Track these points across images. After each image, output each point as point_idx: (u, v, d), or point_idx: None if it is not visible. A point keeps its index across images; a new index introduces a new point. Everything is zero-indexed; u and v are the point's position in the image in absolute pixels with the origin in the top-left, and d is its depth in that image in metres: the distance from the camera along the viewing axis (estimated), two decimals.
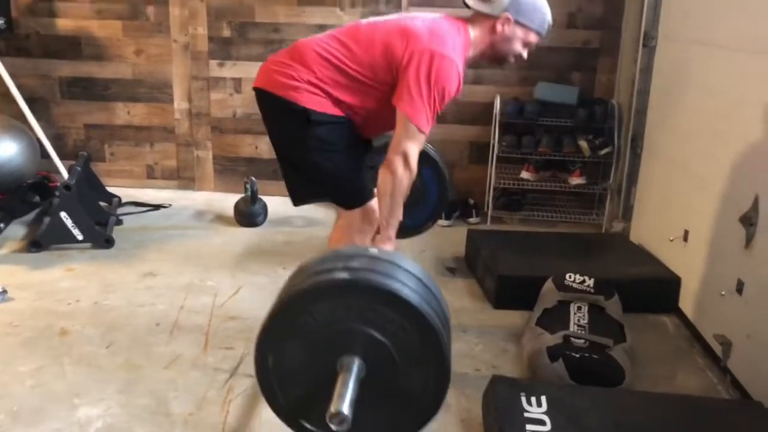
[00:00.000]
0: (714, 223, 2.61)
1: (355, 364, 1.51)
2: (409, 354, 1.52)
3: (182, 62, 4.28)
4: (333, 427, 1.39)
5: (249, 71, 4.26)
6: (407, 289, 1.50)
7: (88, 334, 2.58)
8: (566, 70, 4.12)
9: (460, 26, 2.22)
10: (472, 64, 2.32)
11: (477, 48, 2.26)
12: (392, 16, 2.30)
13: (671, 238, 2.99)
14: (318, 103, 2.17)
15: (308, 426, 1.60)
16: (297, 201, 2.43)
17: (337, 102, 2.19)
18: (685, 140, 3.03)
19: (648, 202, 3.49)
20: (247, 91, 4.29)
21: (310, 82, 2.16)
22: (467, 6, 2.29)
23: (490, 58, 2.33)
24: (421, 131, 2.11)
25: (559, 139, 4.00)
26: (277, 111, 2.24)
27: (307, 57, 2.18)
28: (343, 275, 1.50)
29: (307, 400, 1.60)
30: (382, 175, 2.15)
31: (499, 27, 2.23)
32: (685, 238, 2.90)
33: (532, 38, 2.28)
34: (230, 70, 4.29)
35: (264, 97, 2.26)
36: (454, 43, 2.15)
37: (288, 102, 2.17)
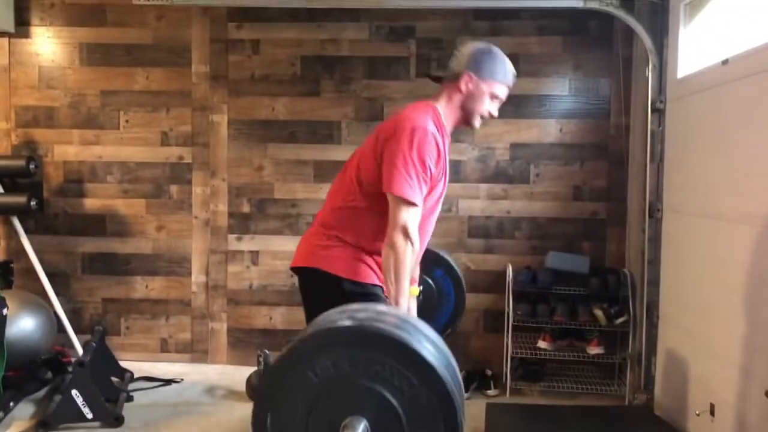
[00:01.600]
0: (740, 396, 2.53)
1: (361, 426, 1.40)
2: (417, 412, 1.40)
3: (202, 237, 4.43)
4: None
5: (266, 244, 4.39)
6: (415, 341, 1.41)
7: None
8: (576, 240, 4.21)
9: (425, 105, 2.27)
10: (455, 127, 2.33)
11: (449, 116, 2.28)
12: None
13: (697, 413, 2.89)
14: (349, 268, 2.21)
15: None
16: None
17: (361, 252, 2.22)
18: (701, 311, 3.02)
19: (670, 373, 3.41)
20: (264, 263, 4.39)
21: (333, 237, 2.23)
22: (431, 78, 2.38)
23: (462, 120, 2.32)
24: (409, 202, 2.09)
25: (574, 308, 3.99)
26: (312, 284, 2.28)
27: (324, 217, 2.31)
28: (348, 323, 1.43)
29: None
30: (384, 252, 2.12)
31: (462, 86, 2.25)
32: (712, 413, 2.80)
33: (499, 90, 2.28)
34: (248, 244, 4.42)
35: (300, 272, 2.32)
36: (426, 117, 2.18)
37: (320, 271, 2.22)
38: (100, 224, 4.46)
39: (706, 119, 3.02)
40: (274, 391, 1.45)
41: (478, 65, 2.25)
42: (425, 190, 2.14)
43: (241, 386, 3.90)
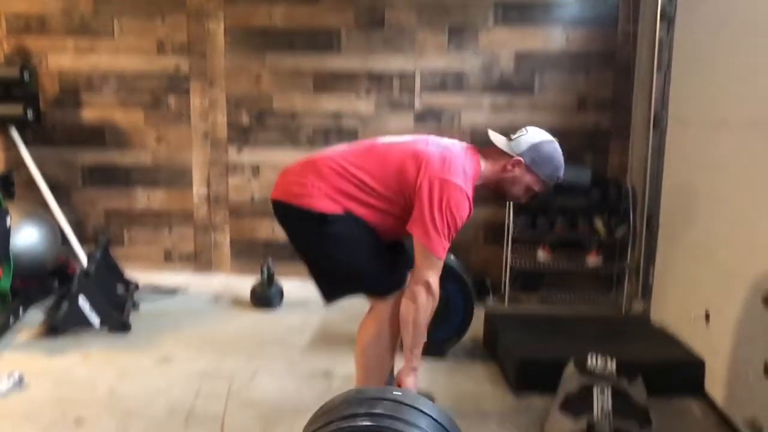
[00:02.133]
0: (735, 303, 2.57)
1: None
2: None
3: (202, 149, 4.40)
4: None
5: (267, 157, 4.37)
6: None
7: (104, 422, 2.55)
8: (578, 151, 4.18)
9: (471, 155, 2.30)
10: (483, 188, 2.37)
11: (484, 179, 2.32)
12: (407, 138, 2.38)
13: (693, 319, 2.95)
14: (331, 207, 2.23)
15: None
16: (328, 298, 2.43)
17: (349, 210, 2.24)
18: (701, 221, 3.03)
19: (667, 282, 3.46)
20: (265, 176, 4.38)
21: (325, 193, 2.23)
22: (490, 138, 2.37)
23: (494, 191, 2.40)
24: (439, 259, 2.17)
25: (574, 220, 4.01)
26: (294, 219, 2.31)
27: (324, 171, 2.26)
28: (366, 423, 1.50)
29: None
30: (405, 305, 2.21)
31: (509, 167, 2.30)
32: (707, 319, 2.85)
33: (537, 187, 2.36)
34: (248, 156, 4.39)
35: (281, 207, 2.32)
36: (465, 171, 2.22)
37: (303, 209, 2.23)
38: (98, 136, 4.42)
39: (717, 26, 2.93)
40: None
41: (533, 156, 2.29)
42: (449, 244, 2.20)
43: (245, 295, 3.97)
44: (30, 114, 4.06)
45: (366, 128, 4.27)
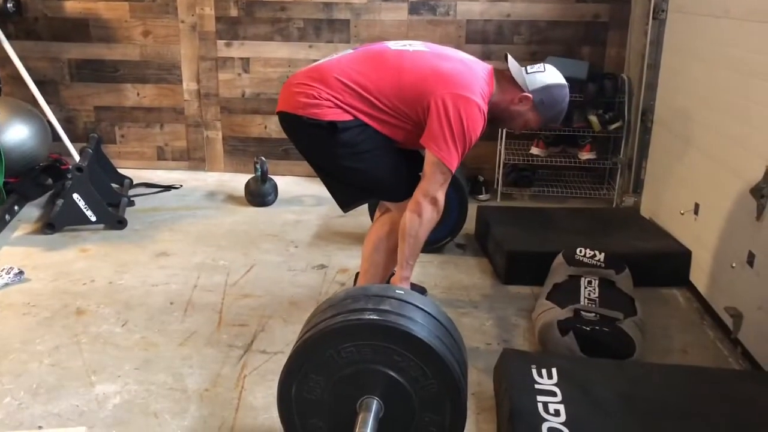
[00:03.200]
0: (725, 195, 2.60)
1: (374, 405, 1.58)
2: (427, 398, 1.59)
3: (190, 43, 4.28)
4: None
5: (257, 51, 4.27)
6: (432, 336, 1.58)
7: (104, 313, 2.62)
8: (575, 44, 4.09)
9: (487, 74, 2.27)
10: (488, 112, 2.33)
11: (491, 104, 2.27)
12: (420, 48, 2.30)
13: (682, 212, 2.99)
14: (340, 115, 2.19)
15: None
16: (344, 207, 2.44)
17: (359, 117, 2.21)
18: (695, 114, 3.01)
19: (659, 177, 3.48)
20: (256, 71, 4.30)
21: (333, 103, 2.18)
22: (506, 61, 2.33)
23: (496, 118, 2.35)
24: (450, 172, 2.18)
25: (569, 114, 3.96)
26: (303, 129, 2.26)
27: (330, 81, 2.20)
28: (374, 317, 1.57)
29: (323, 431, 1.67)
30: (409, 216, 2.20)
31: (517, 101, 2.28)
32: (696, 212, 2.89)
33: (534, 124, 2.39)
34: (238, 50, 4.28)
35: (288, 118, 2.28)
36: (481, 88, 2.20)
37: (312, 120, 2.19)
38: (83, 29, 4.28)
39: None
40: (300, 364, 1.62)
41: (543, 97, 2.29)
42: (460, 161, 2.20)
43: (240, 192, 3.99)
44: (10, 5, 3.92)
45: (358, 20, 4.15)
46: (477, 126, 2.16)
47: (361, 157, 2.25)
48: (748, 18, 2.51)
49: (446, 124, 2.12)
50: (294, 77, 2.31)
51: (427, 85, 2.17)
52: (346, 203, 2.43)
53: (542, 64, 2.36)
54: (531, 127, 2.44)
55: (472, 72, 2.24)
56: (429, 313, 1.66)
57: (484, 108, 2.19)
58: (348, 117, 2.19)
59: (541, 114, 2.32)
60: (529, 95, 2.27)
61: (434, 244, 3.15)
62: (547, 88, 2.29)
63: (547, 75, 2.31)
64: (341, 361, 1.59)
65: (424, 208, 2.18)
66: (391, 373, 1.58)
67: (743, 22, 2.56)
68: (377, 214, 2.59)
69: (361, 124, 2.21)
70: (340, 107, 2.19)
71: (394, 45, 2.33)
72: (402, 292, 1.72)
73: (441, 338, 1.61)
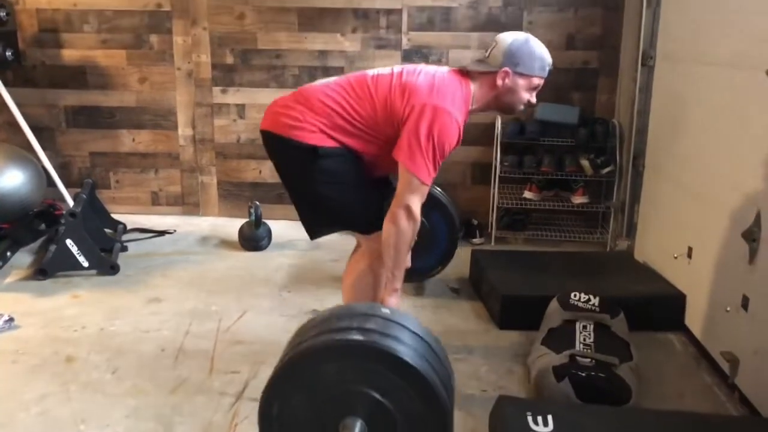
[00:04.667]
0: (717, 239, 2.61)
1: (358, 426, 1.54)
2: (412, 421, 1.55)
3: (186, 89, 4.33)
4: None
5: (252, 97, 4.32)
6: (418, 357, 1.54)
7: (94, 360, 2.59)
8: (566, 90, 4.15)
9: (462, 81, 2.27)
10: (484, 110, 2.36)
11: (480, 102, 2.30)
12: (397, 69, 2.32)
13: (675, 255, 2.99)
14: (322, 140, 2.21)
15: None
16: (313, 234, 2.44)
17: (340, 143, 2.23)
18: (686, 158, 3.04)
19: (651, 220, 3.50)
20: (251, 117, 4.34)
21: (315, 126, 2.21)
22: (467, 69, 2.33)
23: (499, 109, 2.37)
24: (423, 184, 2.15)
25: (561, 159, 4.02)
26: (284, 151, 2.28)
27: (313, 103, 2.23)
28: (358, 337, 1.54)
29: None
30: (386, 227, 2.19)
31: (499, 81, 2.26)
32: (690, 255, 2.90)
33: (536, 82, 2.31)
34: (233, 96, 4.34)
35: (271, 138, 2.30)
36: (454, 97, 2.19)
37: (294, 141, 2.21)
38: (80, 76, 4.34)
39: None
40: (283, 384, 1.58)
41: (515, 60, 2.24)
42: (436, 172, 2.18)
43: (234, 236, 3.98)
44: (9, 54, 3.97)
45: (352, 67, 4.21)
46: (450, 136, 2.14)
47: (336, 185, 2.25)
48: (734, 65, 2.56)
49: (415, 135, 2.11)
50: (279, 99, 2.34)
51: (399, 100, 2.18)
52: (315, 230, 2.42)
53: (492, 40, 2.32)
54: (536, 87, 2.32)
55: (444, 81, 2.22)
56: (415, 333, 1.62)
57: (459, 116, 2.16)
58: (330, 144, 2.21)
59: (528, 72, 2.26)
60: (504, 69, 2.24)
61: (425, 273, 3.13)
62: (510, 50, 2.24)
63: (501, 42, 2.27)
64: (324, 381, 1.55)
65: (399, 217, 2.16)
66: (375, 395, 1.53)
67: (729, 69, 2.60)
68: (351, 256, 2.57)
69: (342, 153, 2.23)
70: (323, 132, 2.20)
71: (372, 71, 2.35)
72: (387, 311, 1.68)
73: (427, 359, 1.56)
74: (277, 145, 2.29)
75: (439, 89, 2.18)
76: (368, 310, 1.67)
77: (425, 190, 2.18)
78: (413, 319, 1.70)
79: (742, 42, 2.52)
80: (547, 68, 2.32)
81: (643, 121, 3.61)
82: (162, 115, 4.39)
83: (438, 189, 3.17)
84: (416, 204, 2.17)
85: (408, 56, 4.18)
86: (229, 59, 4.28)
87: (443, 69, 2.33)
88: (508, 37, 2.28)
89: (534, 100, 2.35)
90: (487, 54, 2.30)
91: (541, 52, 2.29)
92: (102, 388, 2.38)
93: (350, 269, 2.46)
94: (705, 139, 2.84)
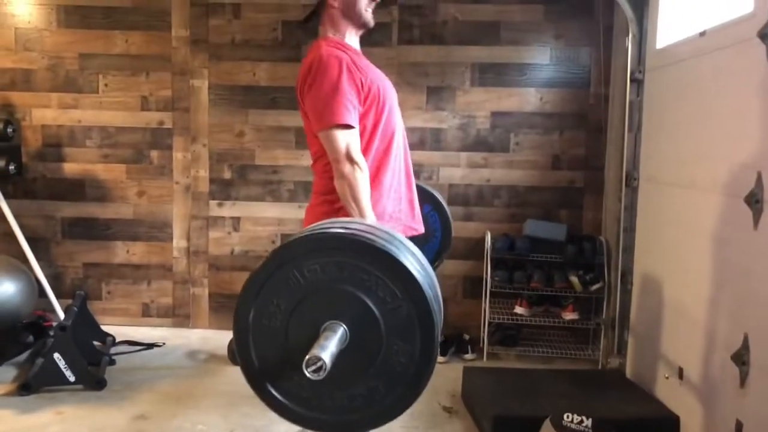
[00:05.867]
0: (707, 360, 2.62)
1: (340, 331, 1.43)
2: (397, 324, 1.45)
3: (183, 202, 4.43)
4: (308, 373, 1.31)
5: (248, 210, 4.41)
6: (405, 259, 1.44)
7: None
8: (553, 207, 4.27)
9: (316, 43, 2.23)
10: (357, 32, 2.31)
11: (345, 33, 2.25)
12: None
13: (666, 376, 2.99)
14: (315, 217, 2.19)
15: (274, 392, 1.51)
16: None
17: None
18: (673, 277, 3.10)
19: (642, 339, 3.51)
20: (245, 229, 4.41)
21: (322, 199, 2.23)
22: (308, 19, 2.33)
23: (357, 26, 2.29)
24: (342, 125, 2.06)
25: (551, 275, 4.07)
26: None
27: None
28: (340, 230, 1.47)
29: (280, 365, 1.50)
30: (338, 185, 2.09)
31: (331, 2, 2.22)
32: (680, 376, 2.89)
33: None
34: (229, 210, 4.43)
35: None
36: (317, 50, 2.15)
37: None
38: (79, 189, 4.44)
39: (684, 89, 3.06)
40: (259, 287, 1.46)
41: None
42: (357, 109, 2.10)
43: (223, 351, 3.94)
44: (12, 167, 4.08)
45: None
46: (333, 70, 2.06)
47: None
48: (713, 190, 2.67)
49: (311, 99, 2.09)
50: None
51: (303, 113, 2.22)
52: None
53: None
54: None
55: (304, 59, 2.20)
56: (400, 240, 1.54)
57: (337, 54, 2.10)
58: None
59: None
60: None
61: None
62: None
63: None
64: (304, 280, 1.44)
65: (343, 168, 2.06)
66: (359, 294, 1.43)
67: (709, 194, 2.71)
68: None
69: None
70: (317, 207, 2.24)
71: None
72: (373, 223, 1.60)
73: (411, 261, 1.47)
74: None
75: (302, 63, 2.19)
76: (351, 220, 1.62)
77: (350, 133, 2.07)
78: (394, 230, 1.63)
79: (720, 168, 2.63)
80: None
81: (629, 238, 3.69)
82: (158, 227, 4.46)
83: (427, 186, 3.11)
84: (353, 146, 2.07)
85: None
86: (227, 174, 4.41)
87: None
88: None
89: (372, 6, 2.28)
90: None
91: None
92: None
93: None
94: (687, 260, 2.90)
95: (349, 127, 2.07)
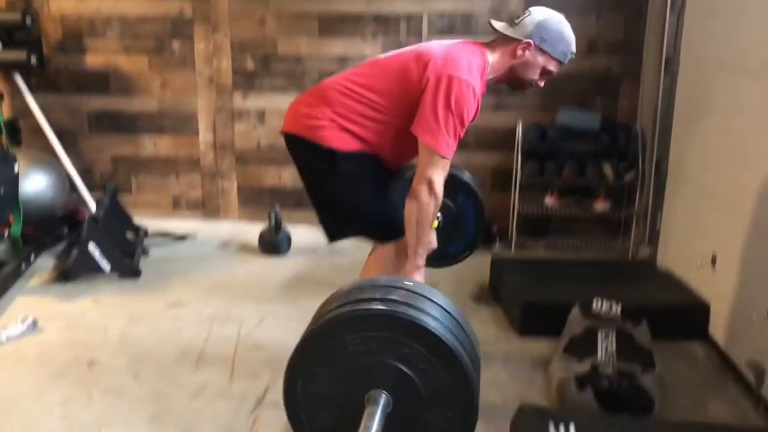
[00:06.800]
0: (742, 246, 2.57)
1: (383, 399, 1.52)
2: (437, 392, 1.53)
3: (207, 95, 4.36)
4: None
5: (272, 102, 4.33)
6: (442, 328, 1.52)
7: (116, 364, 2.60)
8: (588, 95, 4.12)
9: (477, 49, 2.23)
10: (491, 87, 2.32)
11: (495, 71, 2.26)
12: (410, 46, 2.32)
13: (699, 263, 2.95)
14: (341, 141, 2.20)
15: None
16: (331, 238, 2.43)
17: (358, 138, 2.22)
18: (710, 164, 3.01)
19: (674, 227, 3.46)
20: (271, 122, 4.36)
21: (332, 120, 2.20)
22: (492, 28, 2.29)
23: (507, 82, 2.34)
24: (443, 157, 2.11)
25: (583, 165, 3.98)
26: (304, 152, 2.29)
27: (330, 96, 2.23)
28: (381, 307, 1.53)
29: (332, 428, 1.61)
30: (408, 204, 2.17)
31: (519, 51, 2.22)
32: (713, 263, 2.86)
33: (552, 66, 2.26)
34: (254, 102, 4.36)
35: (291, 140, 2.30)
36: (470, 65, 2.14)
37: (313, 143, 2.21)
38: (103, 82, 4.39)
39: None
40: (307, 357, 1.58)
41: (542, 35, 2.20)
42: (456, 144, 2.15)
43: (254, 242, 4.00)
44: (33, 59, 4.03)
45: None
46: (467, 104, 2.09)
47: (355, 188, 2.25)
48: (761, 72, 2.53)
49: (432, 107, 2.09)
50: (300, 98, 2.34)
51: (414, 72, 2.15)
52: (333, 234, 2.41)
53: (527, 9, 2.27)
54: (551, 72, 2.28)
55: (458, 49, 2.19)
56: (439, 305, 1.60)
57: (476, 85, 2.12)
58: (349, 146, 2.20)
59: (550, 52, 2.21)
60: (528, 40, 2.20)
61: (453, 257, 3.06)
62: (542, 25, 2.20)
63: (535, 14, 2.23)
64: (348, 353, 1.54)
65: (420, 192, 2.13)
66: (400, 366, 1.52)
67: (757, 76, 2.57)
68: (367, 258, 2.55)
69: (361, 156, 2.22)
70: (343, 130, 2.19)
71: (388, 53, 2.35)
72: (410, 283, 1.66)
73: (451, 330, 1.54)
74: (297, 147, 2.30)
75: (455, 58, 2.14)
76: (391, 283, 1.66)
77: (446, 163, 2.14)
78: (436, 291, 1.67)
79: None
80: (569, 56, 2.27)
81: (665, 126, 3.57)
82: (183, 120, 4.42)
83: (467, 173, 3.09)
84: (438, 178, 2.13)
85: None
86: (250, 65, 4.30)
87: (458, 40, 2.28)
88: (543, 12, 2.24)
89: (541, 84, 2.31)
90: (518, 20, 2.24)
91: (569, 37, 2.26)
92: (123, 393, 2.40)
93: (363, 275, 2.44)
94: (728, 145, 2.80)
95: (446, 159, 2.13)
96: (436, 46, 2.23)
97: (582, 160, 3.99)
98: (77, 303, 3.17)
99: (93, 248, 3.37)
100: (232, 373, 2.56)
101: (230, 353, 2.71)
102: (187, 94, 4.38)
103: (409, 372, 1.52)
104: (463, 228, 3.00)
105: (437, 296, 1.64)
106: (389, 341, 1.51)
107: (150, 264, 3.67)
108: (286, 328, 2.94)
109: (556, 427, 1.95)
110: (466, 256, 3.12)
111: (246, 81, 4.33)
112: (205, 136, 4.43)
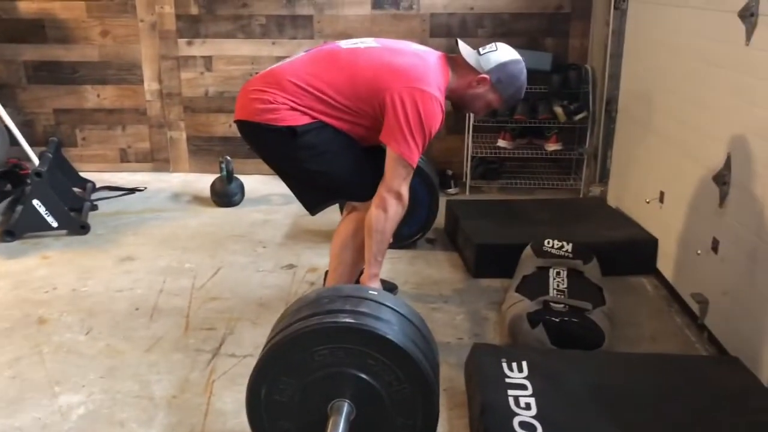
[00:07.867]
0: (689, 183, 2.63)
1: (346, 408, 1.56)
2: (400, 404, 1.58)
3: (150, 42, 4.20)
4: None
5: (219, 49, 4.21)
6: (408, 341, 1.57)
7: (67, 321, 2.56)
8: (538, 36, 4.10)
9: (442, 67, 2.26)
10: (448, 99, 2.33)
11: (451, 92, 2.30)
12: (373, 46, 2.29)
13: (647, 200, 3.01)
14: (296, 119, 2.16)
15: None
16: (312, 210, 2.42)
17: (315, 112, 2.19)
18: (658, 102, 3.04)
19: (624, 166, 3.51)
20: (218, 69, 4.24)
21: (289, 106, 2.16)
22: (458, 48, 2.31)
23: (456, 104, 2.40)
24: (410, 166, 2.16)
25: (534, 106, 3.99)
26: (262, 136, 2.24)
27: (284, 85, 2.18)
28: (350, 320, 1.56)
29: None
30: (374, 212, 2.19)
31: (475, 83, 2.28)
32: (661, 200, 2.92)
33: (497, 105, 2.39)
34: (200, 49, 4.22)
35: (246, 126, 2.25)
36: (437, 80, 2.20)
37: (270, 126, 2.17)
38: (38, 30, 4.19)
39: None
40: (272, 365, 1.59)
41: (500, 76, 2.27)
42: (420, 154, 2.19)
43: (206, 192, 3.93)
44: None
45: (321, 15, 4.11)
46: (435, 119, 2.15)
47: (323, 158, 2.23)
48: (706, 7, 2.53)
49: (404, 119, 2.11)
50: (249, 84, 2.29)
51: (382, 80, 2.16)
52: (312, 206, 2.41)
53: (494, 43, 2.33)
54: (494, 108, 2.44)
55: (426, 64, 2.23)
56: (403, 315, 1.65)
57: (441, 99, 2.18)
58: (306, 120, 2.17)
59: (501, 93, 2.30)
60: (486, 76, 2.26)
61: (406, 239, 3.13)
62: (502, 66, 2.27)
63: (501, 53, 2.29)
64: (314, 363, 1.57)
65: (388, 203, 2.17)
66: (364, 377, 1.57)
67: (702, 11, 2.57)
68: (344, 212, 2.56)
69: (320, 126, 2.19)
70: (297, 110, 2.17)
71: (345, 44, 2.32)
72: (376, 293, 1.71)
73: (415, 342, 1.60)
74: (254, 132, 2.25)
75: (422, 71, 2.18)
76: (356, 293, 1.71)
77: (411, 171, 2.19)
78: (400, 300, 1.74)
79: None
80: (514, 101, 2.43)
81: (615, 65, 3.58)
82: (127, 69, 4.27)
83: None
84: (405, 188, 2.19)
85: (378, 3, 4.08)
86: (194, 9, 4.15)
87: (425, 49, 2.32)
88: (509, 53, 2.31)
89: (482, 114, 2.47)
90: (482, 52, 2.29)
91: (522, 85, 2.35)
92: (76, 349, 2.36)
93: (341, 229, 2.42)
94: (676, 83, 2.82)
95: (413, 168, 2.18)
96: (402, 55, 2.23)
97: (533, 102, 3.99)
98: (24, 261, 3.09)
99: (38, 204, 3.27)
100: (187, 325, 2.54)
101: (185, 306, 2.69)
102: (130, 41, 4.21)
103: (373, 382, 1.56)
104: (417, 210, 3.02)
105: (401, 306, 1.69)
106: (356, 353, 1.55)
107: (99, 219, 3.59)
108: (241, 279, 2.93)
109: (509, 364, 2.00)
110: (419, 238, 3.17)
111: (191, 27, 4.18)
112: (150, 85, 4.29)
